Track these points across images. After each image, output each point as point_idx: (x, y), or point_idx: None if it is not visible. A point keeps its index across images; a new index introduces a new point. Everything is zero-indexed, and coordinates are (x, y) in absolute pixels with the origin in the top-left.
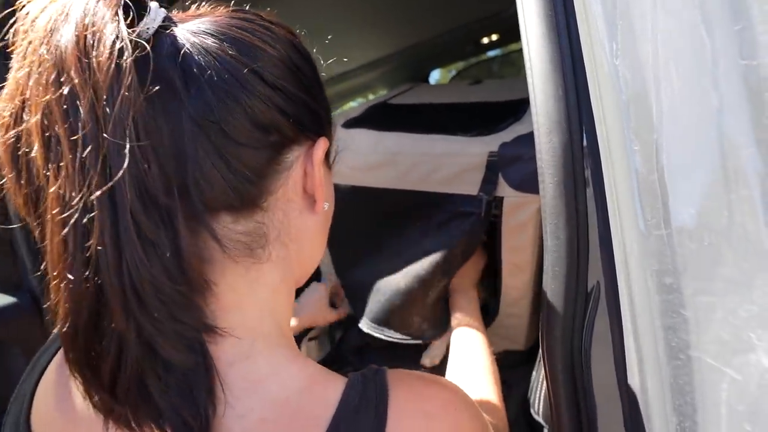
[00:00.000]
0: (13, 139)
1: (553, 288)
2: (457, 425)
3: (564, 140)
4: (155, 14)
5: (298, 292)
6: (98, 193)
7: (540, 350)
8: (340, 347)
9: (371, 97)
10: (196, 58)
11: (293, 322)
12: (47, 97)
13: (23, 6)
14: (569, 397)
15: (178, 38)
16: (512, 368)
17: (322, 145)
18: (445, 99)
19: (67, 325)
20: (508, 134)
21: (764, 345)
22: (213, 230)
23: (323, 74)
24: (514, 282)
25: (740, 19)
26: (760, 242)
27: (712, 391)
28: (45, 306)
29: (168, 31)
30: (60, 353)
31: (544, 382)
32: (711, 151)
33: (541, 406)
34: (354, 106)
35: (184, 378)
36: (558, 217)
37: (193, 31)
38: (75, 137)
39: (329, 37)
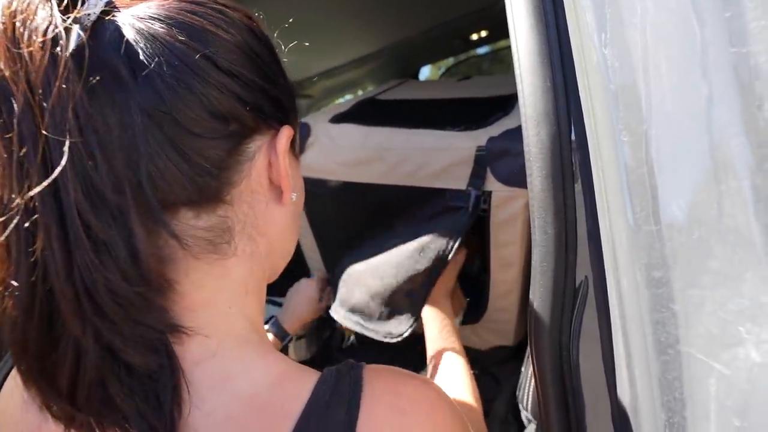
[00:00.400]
0: None
1: (541, 283)
2: (433, 423)
3: (552, 132)
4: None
5: (281, 287)
6: (37, 189)
7: (528, 346)
8: (328, 346)
9: (360, 93)
10: (143, 44)
11: (287, 320)
12: None
13: None
14: (557, 393)
15: (122, 24)
16: (501, 364)
17: (285, 133)
18: (433, 95)
19: (16, 334)
20: (496, 128)
21: (753, 339)
22: (170, 227)
23: (316, 70)
24: (503, 276)
25: (730, 6)
26: (750, 235)
27: (701, 387)
28: None
29: (110, 17)
30: None
31: (533, 378)
32: (700, 142)
33: (529, 402)
34: (342, 102)
35: (148, 381)
36: (546, 210)
37: (139, 16)
38: (9, 135)
39: (317, 32)
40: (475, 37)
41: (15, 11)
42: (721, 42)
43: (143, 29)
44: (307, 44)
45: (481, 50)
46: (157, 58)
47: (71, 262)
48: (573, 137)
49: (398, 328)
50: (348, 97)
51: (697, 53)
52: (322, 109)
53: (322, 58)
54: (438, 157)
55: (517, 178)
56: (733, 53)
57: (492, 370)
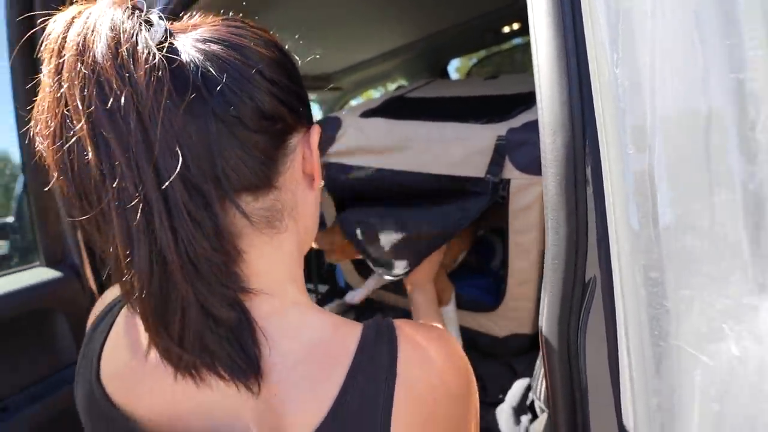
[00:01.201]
0: (58, 144)
1: (552, 279)
2: (445, 350)
3: (566, 141)
4: (158, 26)
5: None
6: (153, 190)
7: (539, 336)
8: None
9: (390, 86)
10: (210, 64)
11: None
12: (92, 108)
13: (45, 23)
14: (564, 379)
15: (187, 48)
16: (517, 355)
17: (316, 130)
18: (459, 92)
19: (143, 293)
20: (517, 121)
21: (734, 335)
22: (241, 208)
23: (346, 63)
24: (521, 264)
25: (731, 36)
26: (737, 243)
27: (688, 376)
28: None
29: (179, 42)
30: (121, 318)
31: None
32: (698, 158)
33: (542, 392)
34: (374, 94)
35: (232, 331)
36: (558, 212)
37: (197, 39)
38: (126, 141)
39: (347, 26)
40: (506, 29)
41: (119, 39)
42: (721, 67)
43: (207, 51)
44: (336, 38)
45: (516, 41)
46: (224, 75)
47: (177, 238)
48: (586, 145)
49: (395, 271)
50: (379, 89)
51: (699, 77)
52: (352, 102)
53: (352, 52)
54: (459, 147)
55: (535, 167)
56: (732, 78)
57: (508, 360)
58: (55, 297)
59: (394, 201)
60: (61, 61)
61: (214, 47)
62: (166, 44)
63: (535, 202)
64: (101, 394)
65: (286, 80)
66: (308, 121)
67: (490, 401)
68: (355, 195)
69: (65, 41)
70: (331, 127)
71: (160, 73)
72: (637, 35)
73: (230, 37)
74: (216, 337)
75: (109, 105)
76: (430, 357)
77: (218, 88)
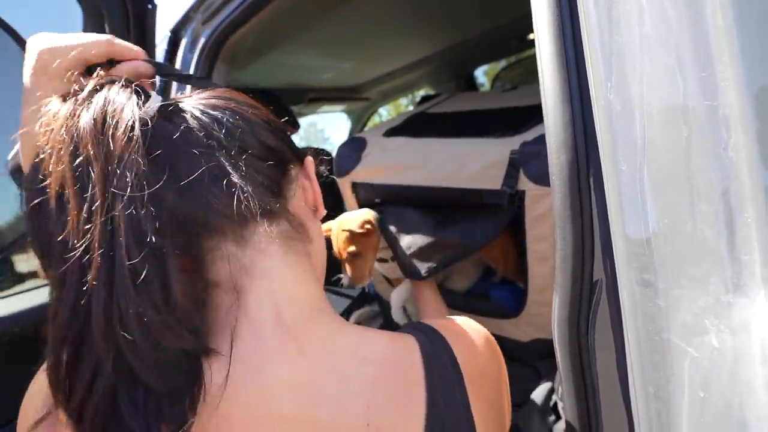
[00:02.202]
0: (36, 202)
1: (561, 282)
2: (478, 335)
3: (570, 159)
4: (154, 101)
5: None
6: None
7: (552, 335)
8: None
9: (417, 94)
10: (208, 117)
11: None
12: (61, 167)
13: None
14: (576, 376)
15: (190, 111)
16: (542, 359)
17: (310, 161)
18: (477, 106)
19: (53, 346)
20: (530, 134)
21: (714, 329)
22: (259, 231)
23: (372, 75)
24: (540, 270)
25: (706, 68)
26: (716, 248)
27: (679, 366)
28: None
29: (175, 107)
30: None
31: None
32: (680, 173)
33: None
34: (404, 102)
35: (166, 399)
36: (565, 221)
37: (193, 105)
38: (85, 195)
39: (374, 40)
40: (532, 36)
41: (106, 112)
42: (698, 96)
43: (205, 109)
44: (365, 51)
45: None
46: (225, 122)
47: (112, 295)
48: (588, 160)
49: (421, 272)
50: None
51: (680, 103)
52: (375, 122)
53: (379, 63)
54: (474, 161)
55: (548, 178)
56: (707, 105)
57: (533, 363)
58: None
59: (427, 211)
60: (50, 131)
61: (210, 109)
62: (154, 111)
63: (550, 211)
64: None
65: (277, 129)
66: (301, 157)
67: (514, 402)
68: (383, 212)
69: (56, 115)
70: (356, 147)
71: (133, 134)
72: (627, 67)
73: (221, 102)
74: (136, 409)
75: (77, 161)
76: (473, 343)
77: (225, 130)
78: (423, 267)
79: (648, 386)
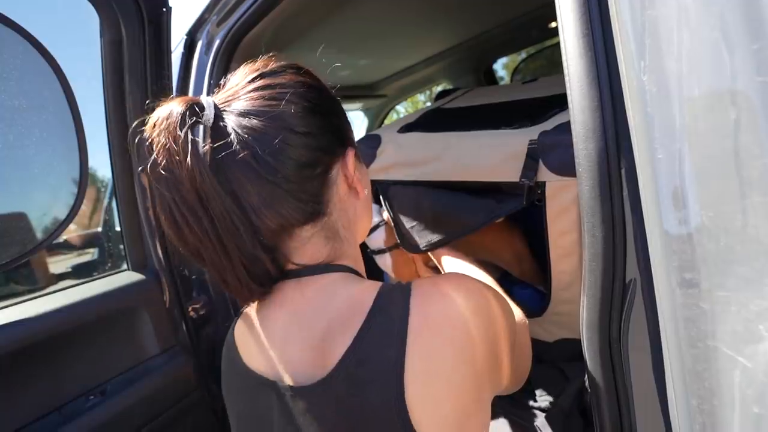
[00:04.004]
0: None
1: (590, 281)
2: (469, 290)
3: (599, 147)
4: (209, 110)
5: None
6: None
7: (580, 337)
8: None
9: (436, 88)
10: (253, 140)
11: None
12: (159, 173)
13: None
14: (608, 385)
15: (234, 124)
16: (569, 360)
17: (350, 154)
18: (495, 99)
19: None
20: (549, 123)
21: None
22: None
23: (390, 71)
24: (564, 266)
25: (758, 39)
26: None
27: (727, 377)
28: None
29: (227, 119)
30: (240, 320)
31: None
32: (728, 161)
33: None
34: (421, 98)
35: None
36: (594, 216)
37: (239, 113)
38: (179, 206)
39: (392, 36)
40: (553, 24)
41: (171, 129)
42: (748, 71)
43: (247, 126)
44: (382, 48)
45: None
46: (265, 147)
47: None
48: (619, 150)
49: (420, 247)
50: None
51: (727, 81)
52: (391, 118)
53: (396, 59)
54: (492, 154)
55: (568, 168)
56: (760, 82)
57: (560, 365)
58: (140, 297)
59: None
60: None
61: (254, 122)
62: (210, 121)
63: (573, 204)
64: (237, 356)
65: (320, 122)
66: (343, 147)
67: (538, 406)
68: (401, 205)
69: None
70: (371, 144)
71: (199, 153)
72: (663, 43)
73: (262, 107)
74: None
75: (172, 170)
76: (446, 294)
77: (262, 158)
78: (422, 241)
79: (691, 398)
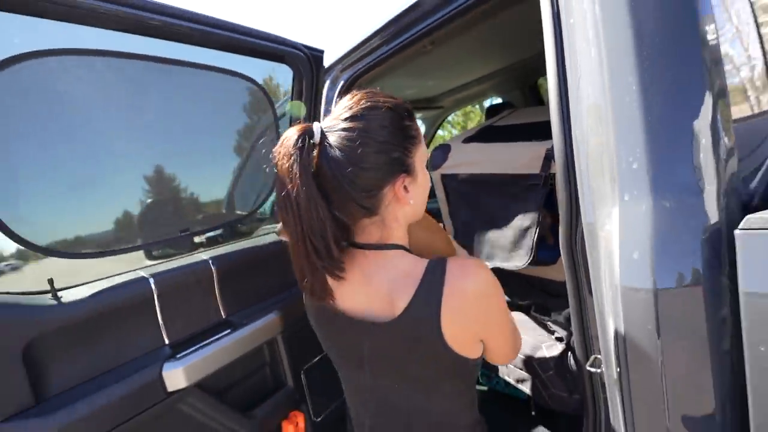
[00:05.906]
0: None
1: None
2: (480, 269)
3: (563, 160)
4: (317, 134)
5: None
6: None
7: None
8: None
9: (486, 102)
10: (335, 164)
11: None
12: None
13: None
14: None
15: (331, 145)
16: None
17: (401, 179)
18: (532, 119)
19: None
20: None
21: None
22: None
23: (448, 87)
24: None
25: None
26: None
27: None
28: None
29: (325, 143)
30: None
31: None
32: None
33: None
34: (475, 109)
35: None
36: (564, 190)
37: (335, 130)
38: (292, 197)
39: (453, 60)
40: None
41: (294, 155)
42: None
43: (341, 145)
44: (445, 68)
45: None
46: (351, 165)
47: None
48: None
49: (519, 261)
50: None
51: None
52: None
53: (455, 77)
54: (521, 156)
55: None
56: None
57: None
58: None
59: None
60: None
61: (337, 153)
62: (317, 139)
63: None
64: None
65: (383, 159)
66: (398, 173)
67: (556, 337)
68: (460, 194)
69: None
70: (445, 150)
71: (305, 164)
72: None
73: (347, 146)
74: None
75: (290, 178)
76: (469, 272)
77: (340, 179)
78: (522, 259)
79: None
